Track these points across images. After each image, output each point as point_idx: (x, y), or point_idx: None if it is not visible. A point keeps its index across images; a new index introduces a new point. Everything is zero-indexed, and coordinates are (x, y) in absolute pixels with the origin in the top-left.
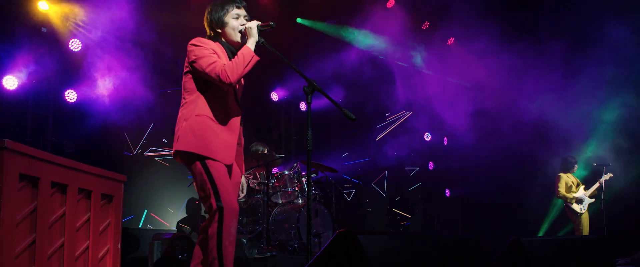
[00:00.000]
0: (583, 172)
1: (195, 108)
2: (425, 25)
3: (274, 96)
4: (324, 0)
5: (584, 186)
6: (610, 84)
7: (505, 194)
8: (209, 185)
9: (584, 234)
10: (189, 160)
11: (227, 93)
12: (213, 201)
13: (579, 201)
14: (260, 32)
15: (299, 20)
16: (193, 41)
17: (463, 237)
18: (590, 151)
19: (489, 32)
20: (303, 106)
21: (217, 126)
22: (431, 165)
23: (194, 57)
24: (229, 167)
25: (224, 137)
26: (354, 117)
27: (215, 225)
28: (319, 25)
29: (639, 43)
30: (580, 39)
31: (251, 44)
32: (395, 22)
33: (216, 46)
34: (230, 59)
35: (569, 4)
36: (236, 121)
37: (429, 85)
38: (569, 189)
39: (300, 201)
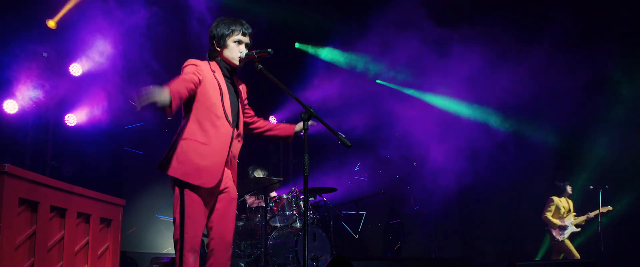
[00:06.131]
0: (579, 196)
1: (181, 131)
2: None
3: (273, 120)
4: (322, 25)
5: (575, 214)
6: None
7: (503, 217)
8: (177, 214)
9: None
10: (172, 181)
11: (213, 110)
12: (176, 230)
13: (562, 228)
14: (258, 59)
15: (297, 45)
16: (184, 64)
17: (456, 261)
18: (585, 175)
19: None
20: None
21: (201, 148)
22: (428, 186)
23: None
24: (221, 193)
25: (206, 160)
26: (349, 143)
27: (177, 255)
28: (318, 51)
29: None
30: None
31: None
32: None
33: (206, 67)
34: (224, 76)
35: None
36: (224, 140)
37: (425, 107)
38: (559, 213)
39: (298, 225)
